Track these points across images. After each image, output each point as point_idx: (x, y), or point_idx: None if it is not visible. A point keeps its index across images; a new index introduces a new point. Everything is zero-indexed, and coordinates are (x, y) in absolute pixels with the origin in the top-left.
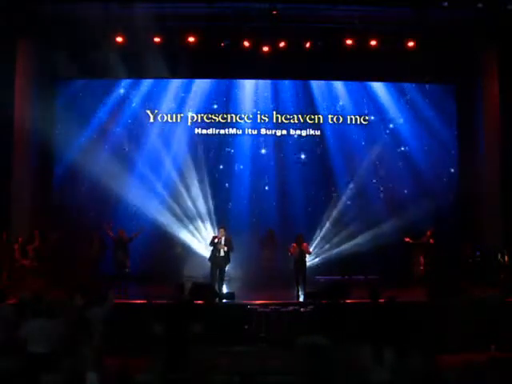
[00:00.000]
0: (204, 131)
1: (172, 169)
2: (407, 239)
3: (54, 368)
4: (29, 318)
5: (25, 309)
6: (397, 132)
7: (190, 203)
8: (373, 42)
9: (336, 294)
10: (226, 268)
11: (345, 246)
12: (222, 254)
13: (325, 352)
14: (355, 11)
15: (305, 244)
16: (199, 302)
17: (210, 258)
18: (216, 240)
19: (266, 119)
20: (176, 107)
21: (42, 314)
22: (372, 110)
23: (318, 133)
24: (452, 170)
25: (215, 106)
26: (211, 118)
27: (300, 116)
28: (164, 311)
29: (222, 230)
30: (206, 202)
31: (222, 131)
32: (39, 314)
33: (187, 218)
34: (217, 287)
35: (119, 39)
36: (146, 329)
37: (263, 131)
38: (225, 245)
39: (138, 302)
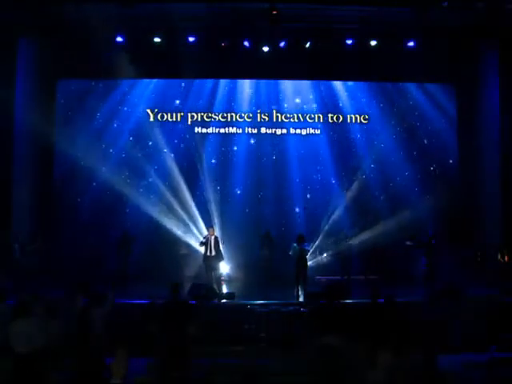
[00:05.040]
0: (204, 130)
1: (172, 168)
2: (408, 243)
3: (36, 368)
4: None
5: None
6: (397, 131)
7: (189, 202)
8: (373, 42)
9: (335, 294)
10: (221, 266)
11: (345, 246)
12: (214, 253)
13: (337, 353)
14: (355, 11)
15: (306, 244)
16: (196, 302)
17: (203, 259)
18: (206, 240)
19: (266, 118)
20: (176, 106)
21: (22, 315)
22: (372, 109)
23: (317, 132)
24: (452, 170)
25: (215, 105)
26: (211, 117)
27: (300, 115)
28: (160, 311)
29: (211, 229)
30: (205, 201)
31: (221, 130)
32: (19, 314)
33: (186, 217)
34: (215, 287)
35: (119, 39)
36: (144, 328)
37: (263, 130)
38: (214, 245)
39: (138, 302)
